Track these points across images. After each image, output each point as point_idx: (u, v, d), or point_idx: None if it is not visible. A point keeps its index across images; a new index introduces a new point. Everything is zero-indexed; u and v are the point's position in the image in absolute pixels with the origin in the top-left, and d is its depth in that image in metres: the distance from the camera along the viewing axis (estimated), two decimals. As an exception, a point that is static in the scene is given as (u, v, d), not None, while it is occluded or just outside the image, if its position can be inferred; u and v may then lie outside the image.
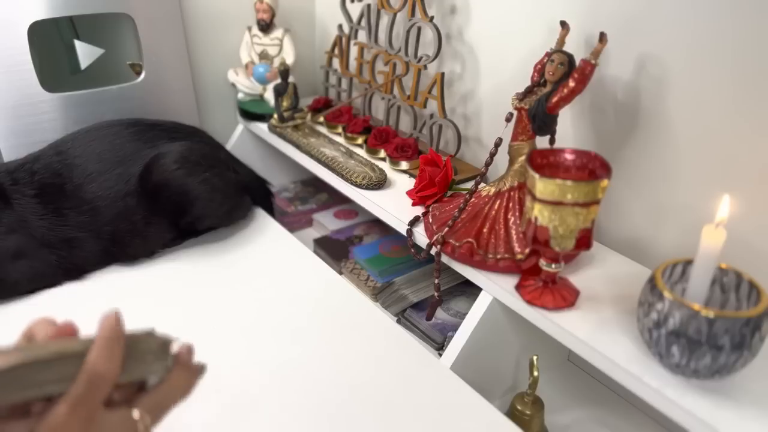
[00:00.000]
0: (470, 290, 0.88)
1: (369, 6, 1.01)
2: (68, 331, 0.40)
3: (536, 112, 0.69)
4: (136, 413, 0.39)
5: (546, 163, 0.63)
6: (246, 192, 1.01)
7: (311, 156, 0.99)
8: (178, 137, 0.94)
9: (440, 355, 0.75)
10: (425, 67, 0.94)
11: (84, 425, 0.36)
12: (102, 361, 0.36)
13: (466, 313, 0.73)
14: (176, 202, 0.88)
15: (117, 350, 0.37)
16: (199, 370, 0.44)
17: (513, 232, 0.71)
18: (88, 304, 0.81)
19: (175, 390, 0.41)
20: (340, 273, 0.97)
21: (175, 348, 0.42)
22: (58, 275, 0.84)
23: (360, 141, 1.02)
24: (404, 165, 0.94)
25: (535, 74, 0.72)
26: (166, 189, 0.87)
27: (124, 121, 0.94)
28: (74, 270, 0.85)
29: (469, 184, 0.85)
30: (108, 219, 0.85)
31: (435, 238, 0.75)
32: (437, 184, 0.83)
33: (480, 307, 0.72)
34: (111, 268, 0.88)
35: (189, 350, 0.43)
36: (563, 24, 0.70)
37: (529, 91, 0.71)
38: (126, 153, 0.89)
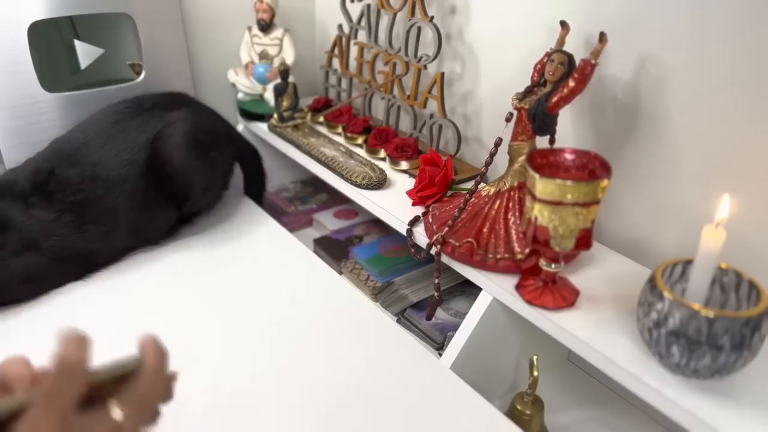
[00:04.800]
0: (470, 290, 0.88)
1: (369, 6, 1.01)
2: (44, 376, 0.38)
3: (536, 112, 0.69)
4: (116, 412, 0.35)
5: (546, 163, 0.63)
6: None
7: (311, 156, 0.99)
8: (178, 108, 0.95)
9: (440, 354, 0.75)
10: (425, 67, 0.94)
11: (58, 428, 0.32)
12: (71, 349, 0.34)
13: (466, 313, 0.73)
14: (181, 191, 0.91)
15: (84, 343, 0.35)
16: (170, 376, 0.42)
17: (513, 232, 0.71)
18: (90, 307, 0.81)
19: (150, 377, 0.38)
20: (340, 273, 0.97)
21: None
22: (71, 281, 0.85)
23: (360, 141, 1.02)
24: (404, 165, 0.94)
25: (535, 74, 0.72)
26: (174, 176, 0.90)
27: (125, 109, 0.91)
28: (89, 274, 0.86)
29: (469, 184, 0.85)
30: (127, 220, 0.87)
31: (435, 238, 0.75)
32: (437, 184, 0.83)
33: (480, 307, 0.72)
34: (112, 270, 0.88)
35: (150, 337, 0.40)
36: (563, 24, 0.70)
37: (529, 91, 0.71)
38: (139, 145, 0.89)
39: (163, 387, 0.39)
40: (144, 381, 0.38)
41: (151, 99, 0.94)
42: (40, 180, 0.82)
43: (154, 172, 0.88)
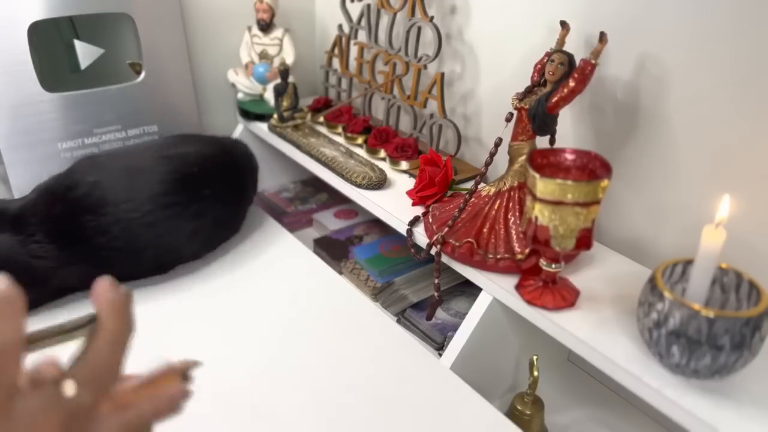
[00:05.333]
0: (470, 290, 0.88)
1: (369, 6, 1.01)
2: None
3: (536, 112, 0.69)
4: (68, 387, 0.29)
5: (546, 163, 0.63)
6: None
7: (311, 156, 0.99)
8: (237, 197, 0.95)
9: (440, 355, 0.75)
10: (425, 67, 0.94)
11: None
12: None
13: (466, 313, 0.73)
14: None
15: (13, 308, 0.28)
16: (187, 368, 0.37)
17: (513, 232, 0.71)
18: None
19: (109, 343, 0.32)
20: (340, 273, 0.97)
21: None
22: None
23: (360, 141, 1.02)
24: (404, 165, 0.94)
25: (535, 74, 0.72)
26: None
27: (189, 186, 0.84)
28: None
29: (469, 184, 0.85)
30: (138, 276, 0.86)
31: (435, 238, 0.75)
32: (437, 184, 0.83)
33: (480, 307, 0.72)
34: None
35: (105, 287, 0.33)
36: (563, 24, 0.70)
37: (529, 91, 0.71)
38: (184, 236, 0.86)
39: (124, 351, 0.33)
40: (100, 346, 0.31)
41: (214, 179, 0.88)
42: (62, 233, 0.77)
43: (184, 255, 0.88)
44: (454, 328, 0.75)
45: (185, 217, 0.83)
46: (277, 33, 1.12)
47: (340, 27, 1.10)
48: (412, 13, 0.93)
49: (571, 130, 0.81)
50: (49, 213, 0.78)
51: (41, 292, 0.79)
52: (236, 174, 0.95)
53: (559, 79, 0.68)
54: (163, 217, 0.81)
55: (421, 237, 0.79)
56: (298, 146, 1.02)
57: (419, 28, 0.93)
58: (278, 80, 1.06)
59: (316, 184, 1.24)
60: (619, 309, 0.65)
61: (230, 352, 0.74)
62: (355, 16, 1.05)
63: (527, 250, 0.69)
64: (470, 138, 0.98)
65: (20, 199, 0.81)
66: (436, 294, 0.77)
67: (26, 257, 0.74)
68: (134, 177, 0.82)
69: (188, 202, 0.84)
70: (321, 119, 1.09)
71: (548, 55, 0.69)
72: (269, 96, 1.13)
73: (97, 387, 0.31)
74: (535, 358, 0.68)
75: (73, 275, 0.79)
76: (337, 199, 1.19)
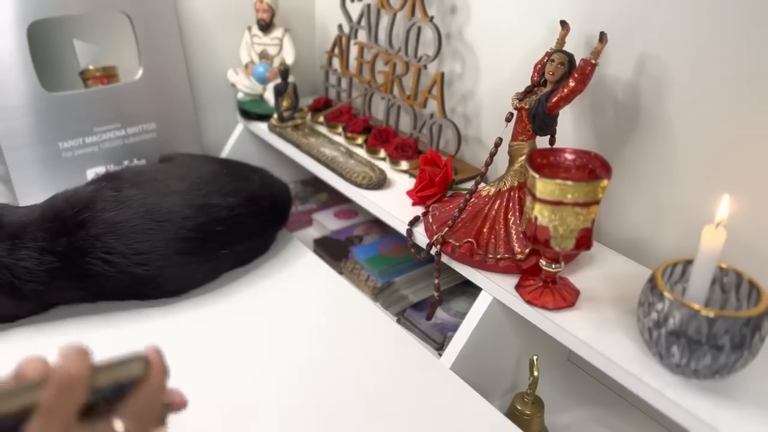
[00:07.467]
0: (470, 290, 0.88)
1: (369, 6, 1.01)
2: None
3: (536, 112, 0.69)
4: (118, 425, 0.36)
5: (546, 163, 0.63)
6: None
7: (311, 156, 0.99)
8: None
9: (440, 355, 0.75)
10: (425, 66, 0.94)
11: None
12: (70, 362, 0.34)
13: (466, 313, 0.73)
14: None
15: (85, 356, 0.35)
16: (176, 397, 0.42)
17: (513, 232, 0.71)
18: (97, 330, 0.81)
19: (153, 391, 0.38)
20: (340, 273, 0.97)
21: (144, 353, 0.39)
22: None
23: (360, 141, 1.02)
24: (404, 165, 0.94)
25: (535, 74, 0.72)
26: None
27: (206, 231, 0.81)
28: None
29: (469, 184, 0.85)
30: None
31: (435, 238, 0.75)
32: (437, 184, 0.83)
33: (480, 307, 0.72)
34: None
35: (156, 350, 0.40)
36: (563, 24, 0.70)
37: (529, 91, 0.71)
38: (199, 277, 0.85)
39: (163, 395, 0.39)
40: (147, 394, 0.38)
41: (236, 240, 0.85)
42: (60, 269, 0.74)
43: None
44: (454, 328, 0.75)
45: (196, 269, 0.83)
46: (277, 33, 1.12)
47: (340, 27, 1.10)
48: (412, 13, 0.93)
49: (571, 130, 0.81)
50: (52, 244, 0.74)
51: (26, 306, 0.77)
52: (261, 232, 0.91)
53: (559, 79, 0.68)
54: (172, 271, 0.80)
55: (421, 237, 0.79)
56: (298, 146, 1.02)
57: (419, 28, 0.93)
58: (278, 80, 1.06)
59: (316, 184, 1.24)
60: (619, 309, 0.65)
61: (228, 351, 0.74)
62: (355, 16, 1.05)
63: (527, 250, 0.69)
64: (470, 138, 0.98)
65: (22, 212, 0.78)
66: (436, 294, 0.77)
67: (11, 278, 0.72)
68: (155, 225, 0.77)
69: (204, 261, 0.83)
70: (321, 119, 1.09)
71: (548, 55, 0.69)
72: (269, 96, 1.13)
73: (142, 425, 0.37)
74: (535, 358, 0.68)
75: (63, 298, 0.78)
76: (337, 199, 1.19)
